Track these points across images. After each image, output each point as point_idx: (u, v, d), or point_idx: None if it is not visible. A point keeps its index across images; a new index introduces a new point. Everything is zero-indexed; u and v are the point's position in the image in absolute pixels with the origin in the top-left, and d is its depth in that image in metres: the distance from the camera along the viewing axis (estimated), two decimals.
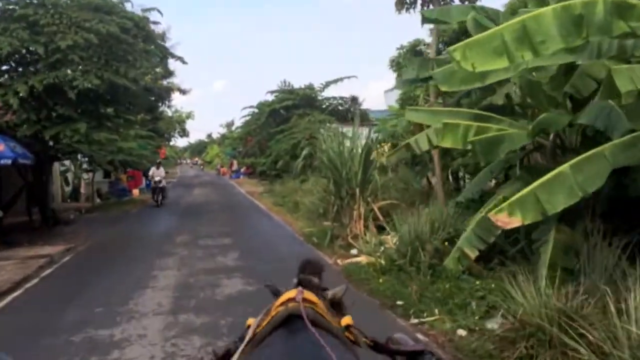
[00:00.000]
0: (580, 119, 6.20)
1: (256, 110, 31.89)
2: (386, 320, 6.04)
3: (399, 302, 6.52)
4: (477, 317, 5.64)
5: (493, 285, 6.12)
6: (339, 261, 9.45)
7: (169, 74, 34.24)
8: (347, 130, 27.12)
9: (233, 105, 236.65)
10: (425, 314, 6.00)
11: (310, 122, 26.74)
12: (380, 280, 7.37)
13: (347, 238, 10.66)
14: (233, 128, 68.05)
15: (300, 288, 1.68)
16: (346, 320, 1.69)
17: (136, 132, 24.12)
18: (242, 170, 54.82)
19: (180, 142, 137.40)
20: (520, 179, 7.39)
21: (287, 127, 27.49)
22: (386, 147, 21.97)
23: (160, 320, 6.34)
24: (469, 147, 7.03)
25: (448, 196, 11.42)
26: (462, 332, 5.45)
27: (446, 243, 7.58)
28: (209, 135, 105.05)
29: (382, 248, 8.94)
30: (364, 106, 31.47)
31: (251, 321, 1.70)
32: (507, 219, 5.20)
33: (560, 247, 6.10)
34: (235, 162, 59.07)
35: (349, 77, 29.18)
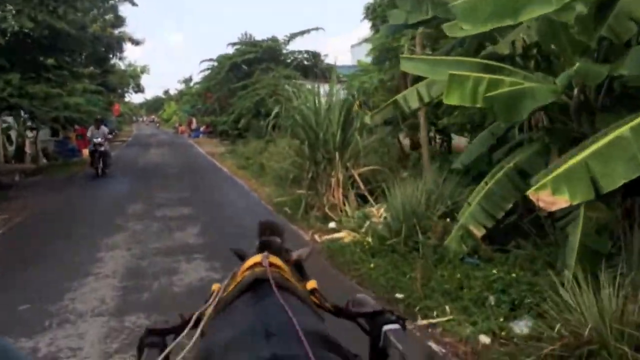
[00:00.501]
0: (623, 69, 5.03)
1: (216, 64, 29.69)
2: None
3: (399, 295, 5.36)
4: (500, 318, 4.54)
5: (513, 275, 5.02)
6: (317, 237, 8.25)
7: (120, 22, 31.64)
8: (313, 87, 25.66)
9: (191, 61, 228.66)
10: (435, 313, 4.86)
11: (275, 78, 25.03)
12: (372, 265, 6.18)
13: (323, 208, 9.42)
14: (191, 84, 65.03)
15: (265, 253, 1.66)
16: (311, 284, 1.71)
17: (84, 86, 21.98)
18: (202, 129, 52.60)
19: (135, 98, 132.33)
20: (537, 143, 6.26)
21: (249, 83, 25.68)
22: (356, 106, 20.83)
23: (101, 324, 5.00)
24: (480, 104, 5.84)
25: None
26: (484, 338, 4.34)
27: (448, 219, 6.44)
28: (166, 92, 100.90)
29: (368, 222, 7.76)
30: (329, 61, 29.94)
31: (216, 286, 1.70)
32: (551, 198, 4.03)
33: (592, 227, 5.03)
34: (194, 120, 56.63)
35: (315, 29, 27.39)
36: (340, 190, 9.36)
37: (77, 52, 19.14)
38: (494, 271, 5.21)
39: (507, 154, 7.05)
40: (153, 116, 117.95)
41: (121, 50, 32.13)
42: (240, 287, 1.52)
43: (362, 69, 20.92)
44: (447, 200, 6.99)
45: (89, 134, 18.18)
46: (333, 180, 9.37)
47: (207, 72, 32.33)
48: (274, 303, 1.35)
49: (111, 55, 32.52)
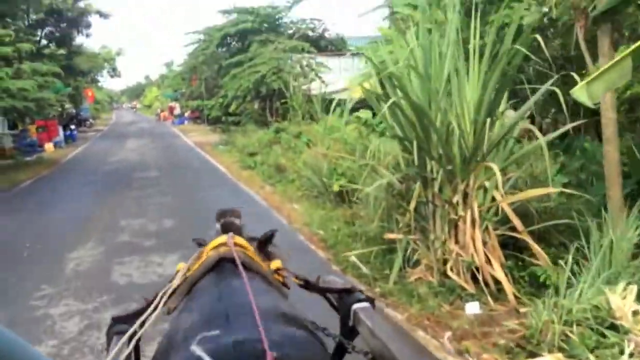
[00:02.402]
0: None
1: (202, 37, 24.35)
2: None
3: None
4: None
5: None
6: None
7: None
8: (325, 60, 20.80)
9: (172, 46, 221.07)
10: None
11: (277, 51, 20.15)
12: None
13: (440, 268, 4.80)
14: (173, 67, 59.47)
15: (231, 233, 1.66)
16: (276, 263, 1.72)
17: (31, 67, 16.81)
18: (187, 114, 47.45)
19: (116, 85, 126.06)
20: None
21: (245, 58, 20.74)
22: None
23: None
24: None
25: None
26: None
27: None
28: (147, 77, 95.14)
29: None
30: (338, 31, 25.08)
31: (181, 266, 1.68)
32: None
33: None
34: (177, 105, 51.33)
35: None
36: (477, 233, 4.70)
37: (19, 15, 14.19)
38: None
39: None
40: (135, 102, 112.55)
41: (87, 26, 27.04)
42: (205, 266, 1.53)
43: (381, 39, 17.39)
44: None
45: None
46: (467, 215, 4.69)
47: (193, 46, 26.64)
48: (237, 284, 1.36)
49: (76, 32, 27.43)
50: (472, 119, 4.61)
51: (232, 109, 27.14)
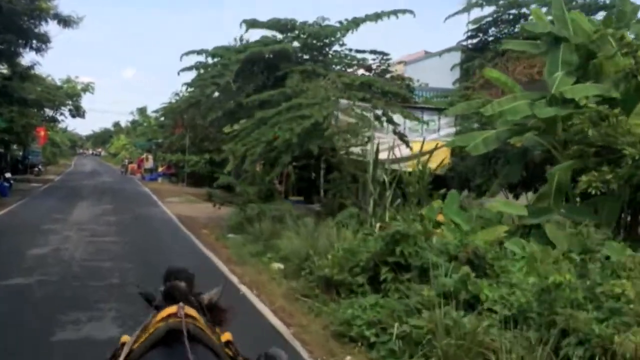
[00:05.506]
0: None
1: (211, 61, 15.92)
2: None
3: None
4: None
5: None
6: None
7: None
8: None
9: (145, 92, 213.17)
10: None
11: (333, 87, 12.46)
12: None
13: None
14: (149, 112, 51.23)
15: (181, 303, 1.60)
16: (226, 336, 1.71)
17: None
18: (161, 169, 39.09)
19: (81, 129, 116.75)
20: None
21: (279, 96, 12.87)
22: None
23: None
24: None
25: None
26: None
27: None
28: (117, 124, 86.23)
29: None
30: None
31: (126, 338, 1.62)
32: None
33: None
34: (150, 157, 42.92)
35: (398, 13, 14.85)
36: None
37: None
38: None
39: None
40: (100, 149, 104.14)
41: (40, 38, 19.02)
42: (153, 339, 1.47)
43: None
44: None
45: None
46: None
47: (195, 73, 17.83)
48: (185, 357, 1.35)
49: (25, 45, 19.35)
50: None
51: (227, 168, 19.62)
